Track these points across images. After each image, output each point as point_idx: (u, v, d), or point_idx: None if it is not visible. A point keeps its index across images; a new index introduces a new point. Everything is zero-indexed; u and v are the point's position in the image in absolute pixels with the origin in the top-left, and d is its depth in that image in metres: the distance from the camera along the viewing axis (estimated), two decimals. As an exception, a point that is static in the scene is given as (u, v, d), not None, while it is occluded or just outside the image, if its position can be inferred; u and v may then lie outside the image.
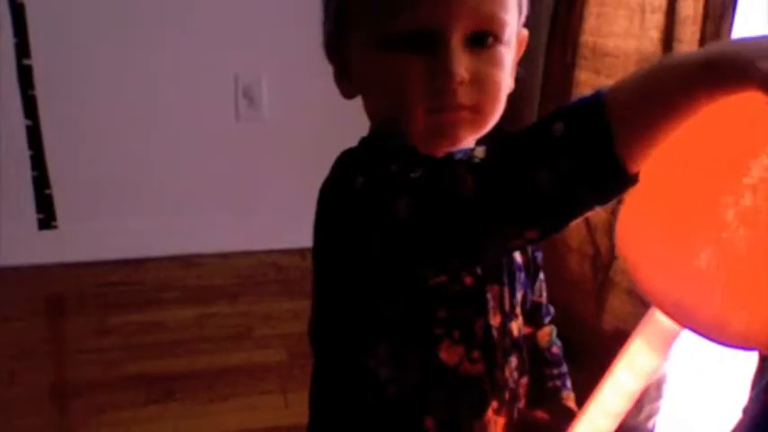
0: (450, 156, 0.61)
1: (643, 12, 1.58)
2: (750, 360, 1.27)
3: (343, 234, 0.70)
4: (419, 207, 0.60)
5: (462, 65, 0.68)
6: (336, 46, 0.77)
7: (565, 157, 0.54)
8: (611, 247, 1.69)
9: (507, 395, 0.79)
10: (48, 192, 2.43)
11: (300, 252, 2.40)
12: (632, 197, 0.64)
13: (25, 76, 2.33)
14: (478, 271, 0.75)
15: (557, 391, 0.89)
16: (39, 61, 2.33)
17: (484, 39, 0.70)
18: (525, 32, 0.78)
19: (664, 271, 0.63)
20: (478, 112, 0.71)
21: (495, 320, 0.77)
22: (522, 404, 0.83)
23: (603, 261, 1.72)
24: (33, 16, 2.29)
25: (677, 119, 0.53)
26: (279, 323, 2.20)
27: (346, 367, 0.77)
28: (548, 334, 0.92)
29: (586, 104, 0.54)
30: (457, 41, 0.68)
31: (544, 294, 0.91)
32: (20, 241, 2.41)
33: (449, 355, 0.74)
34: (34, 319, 2.24)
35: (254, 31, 2.45)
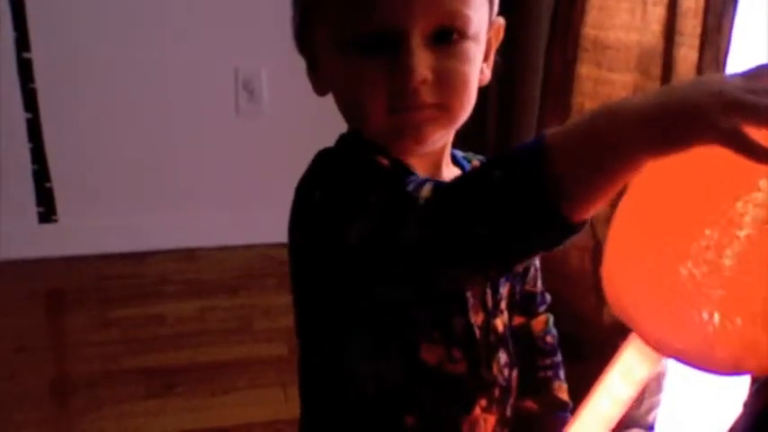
0: (402, 186, 0.60)
1: (645, 4, 1.58)
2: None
3: (306, 243, 0.70)
4: (368, 240, 0.60)
5: (424, 64, 0.67)
6: (304, 40, 0.76)
7: (502, 207, 0.53)
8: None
9: (497, 392, 0.78)
10: (48, 185, 2.43)
11: (301, 246, 2.40)
12: (615, 239, 0.65)
13: (25, 70, 2.33)
14: None
15: (548, 382, 0.89)
16: (39, 55, 2.33)
17: (448, 35, 0.68)
18: (501, 21, 0.76)
19: (651, 314, 0.63)
20: (445, 109, 0.70)
21: (477, 319, 0.76)
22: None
23: (603, 255, 1.71)
24: (33, 10, 2.29)
25: (622, 177, 0.51)
26: (279, 317, 2.20)
27: (326, 362, 0.77)
28: (543, 323, 0.91)
29: (526, 154, 0.53)
30: (418, 40, 0.67)
31: (539, 283, 0.90)
32: (20, 235, 2.41)
33: (429, 355, 0.73)
34: (34, 313, 2.24)
35: (253, 25, 2.44)
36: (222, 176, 2.58)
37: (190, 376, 1.93)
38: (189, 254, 2.55)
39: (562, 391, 0.88)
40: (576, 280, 1.70)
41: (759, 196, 0.57)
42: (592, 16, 1.71)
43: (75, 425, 1.79)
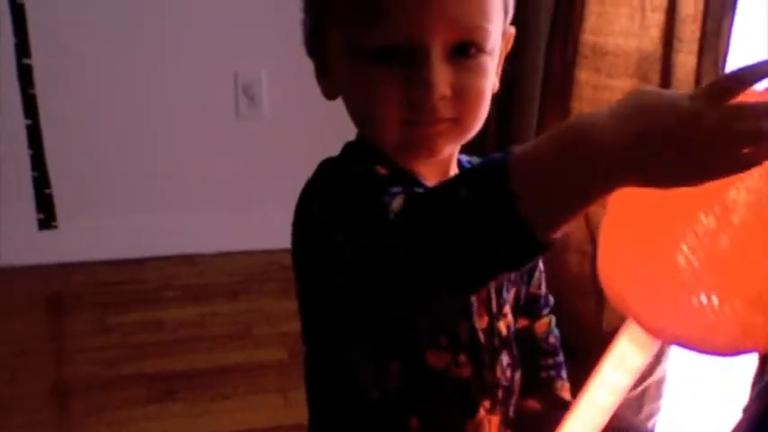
0: (380, 198, 0.59)
1: (644, 10, 1.58)
2: (750, 360, 1.27)
3: (307, 253, 0.71)
4: (354, 253, 0.60)
5: (444, 79, 0.66)
6: (315, 44, 0.75)
7: (466, 226, 0.52)
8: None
9: (501, 393, 0.79)
10: (48, 191, 2.43)
11: (301, 251, 2.40)
12: (608, 232, 0.68)
13: (25, 76, 2.33)
14: None
15: (551, 381, 0.89)
16: (39, 61, 2.33)
17: (466, 49, 0.67)
18: (512, 30, 0.76)
19: (650, 301, 0.65)
20: (459, 123, 0.69)
21: (481, 323, 0.76)
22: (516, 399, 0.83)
23: (604, 260, 1.71)
24: (33, 16, 2.29)
25: (594, 203, 0.51)
26: (279, 322, 2.19)
27: (329, 366, 0.77)
28: (546, 324, 0.91)
29: (491, 172, 0.52)
30: (438, 54, 0.65)
31: (543, 286, 0.90)
32: (20, 241, 2.41)
33: (436, 360, 0.73)
34: (34, 319, 2.24)
35: (253, 29, 2.45)
36: (222, 181, 2.58)
37: (190, 381, 1.92)
38: (189, 259, 2.54)
39: (565, 391, 0.89)
40: (575, 285, 1.70)
41: (752, 182, 0.58)
42: (591, 22, 1.72)
43: (74, 430, 1.79)
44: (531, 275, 0.88)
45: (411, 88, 0.66)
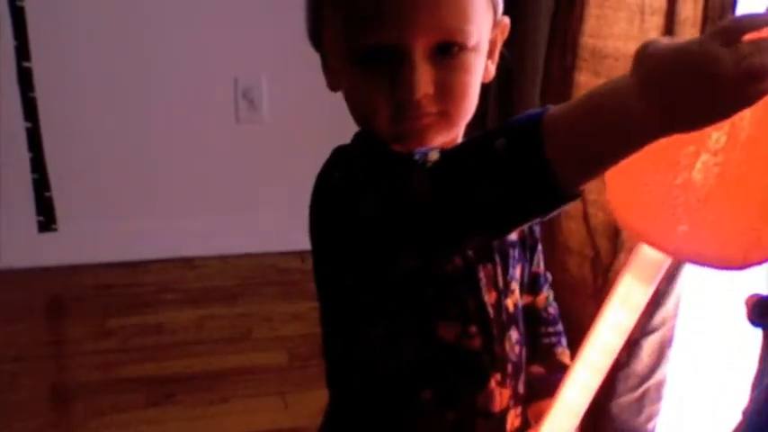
0: (410, 156, 0.63)
1: (642, 13, 1.58)
2: (750, 362, 1.27)
3: (326, 224, 0.73)
4: (382, 206, 0.64)
5: (426, 78, 0.70)
6: (317, 37, 0.79)
7: (504, 173, 0.56)
8: (611, 248, 1.69)
9: (510, 368, 0.82)
10: (48, 194, 2.43)
11: (300, 254, 2.40)
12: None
13: (25, 79, 2.33)
14: (469, 252, 0.77)
15: (552, 347, 0.93)
16: (39, 64, 2.33)
17: (449, 48, 0.71)
18: (506, 20, 0.79)
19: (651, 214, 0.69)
20: (446, 116, 0.73)
21: (489, 298, 0.79)
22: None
23: (603, 263, 1.71)
24: (33, 19, 2.29)
25: (616, 160, 0.54)
26: (278, 325, 2.19)
27: (346, 345, 0.81)
28: (545, 298, 0.95)
29: (528, 125, 0.55)
30: (420, 55, 0.69)
31: (542, 264, 0.94)
32: (20, 244, 2.41)
33: (446, 331, 0.77)
34: (34, 322, 2.24)
35: (253, 34, 2.45)
36: (222, 185, 2.58)
37: (189, 385, 1.92)
38: (188, 262, 2.55)
39: (565, 356, 0.92)
40: (575, 288, 1.70)
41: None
42: (590, 25, 1.72)
43: (74, 434, 1.79)
44: (533, 255, 0.91)
45: (396, 88, 0.70)
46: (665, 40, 0.53)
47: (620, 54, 1.66)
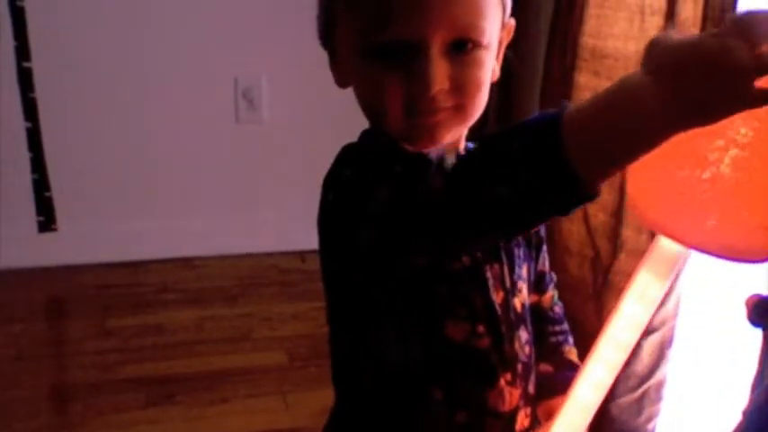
0: (425, 156, 0.65)
1: (642, 14, 1.58)
2: (750, 362, 1.27)
3: (335, 221, 0.73)
4: (394, 203, 0.64)
5: (442, 73, 0.71)
6: (327, 35, 0.79)
7: (522, 173, 0.56)
8: (611, 249, 1.69)
9: (520, 367, 0.82)
10: (47, 194, 2.43)
11: (300, 254, 2.41)
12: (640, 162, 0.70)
13: (25, 79, 2.33)
14: (476, 252, 0.78)
15: (559, 346, 0.93)
16: (39, 64, 2.33)
17: (464, 45, 0.72)
18: (512, 22, 0.80)
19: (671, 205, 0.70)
20: (460, 110, 0.74)
21: (497, 297, 0.80)
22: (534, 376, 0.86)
23: (603, 263, 1.71)
24: (33, 19, 2.30)
25: (635, 158, 0.54)
26: (278, 325, 2.20)
27: (354, 344, 0.81)
28: (550, 297, 0.95)
29: (545, 125, 0.55)
30: (436, 51, 0.70)
31: (547, 263, 0.94)
32: (19, 244, 2.41)
33: (455, 331, 0.77)
34: (34, 322, 2.24)
35: (253, 34, 2.45)
36: (222, 185, 2.58)
37: (189, 385, 1.92)
38: (188, 262, 2.55)
39: (572, 354, 0.93)
40: (575, 288, 1.70)
41: None
42: (590, 25, 1.72)
43: (74, 434, 1.79)
44: (538, 253, 0.91)
45: (412, 83, 0.71)
46: (676, 35, 0.53)
47: (620, 54, 1.66)
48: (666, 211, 0.70)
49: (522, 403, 0.82)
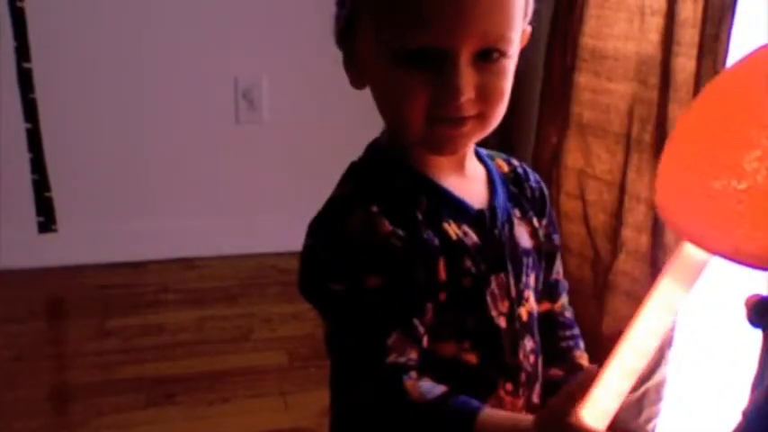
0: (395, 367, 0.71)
1: (642, 14, 1.58)
2: (750, 362, 1.27)
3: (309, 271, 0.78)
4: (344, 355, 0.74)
5: (469, 82, 0.71)
6: (347, 35, 0.78)
7: None
8: (611, 250, 1.69)
9: (524, 377, 0.82)
10: (48, 195, 2.43)
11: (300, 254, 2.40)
12: (668, 165, 0.70)
13: (25, 80, 2.33)
14: (481, 265, 0.78)
15: (570, 351, 0.93)
16: (39, 64, 2.33)
17: (490, 54, 0.72)
18: (529, 29, 0.80)
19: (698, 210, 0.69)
20: (483, 118, 0.74)
21: (502, 307, 0.80)
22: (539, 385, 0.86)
23: (603, 264, 1.72)
24: (33, 19, 2.30)
25: None
26: (279, 326, 2.20)
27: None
28: (561, 305, 0.95)
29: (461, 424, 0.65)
30: (465, 60, 0.70)
31: (560, 271, 0.95)
32: (20, 244, 2.41)
33: (444, 347, 0.77)
34: (34, 322, 2.24)
35: (254, 35, 2.45)
36: (222, 185, 2.58)
37: (189, 385, 1.92)
38: (188, 263, 2.55)
39: (583, 359, 0.93)
40: (575, 289, 1.70)
41: None
42: (590, 25, 1.72)
43: (74, 434, 1.79)
44: (551, 263, 0.91)
45: (439, 90, 0.71)
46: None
47: (620, 55, 1.66)
48: (697, 220, 0.70)
49: (524, 413, 0.82)
